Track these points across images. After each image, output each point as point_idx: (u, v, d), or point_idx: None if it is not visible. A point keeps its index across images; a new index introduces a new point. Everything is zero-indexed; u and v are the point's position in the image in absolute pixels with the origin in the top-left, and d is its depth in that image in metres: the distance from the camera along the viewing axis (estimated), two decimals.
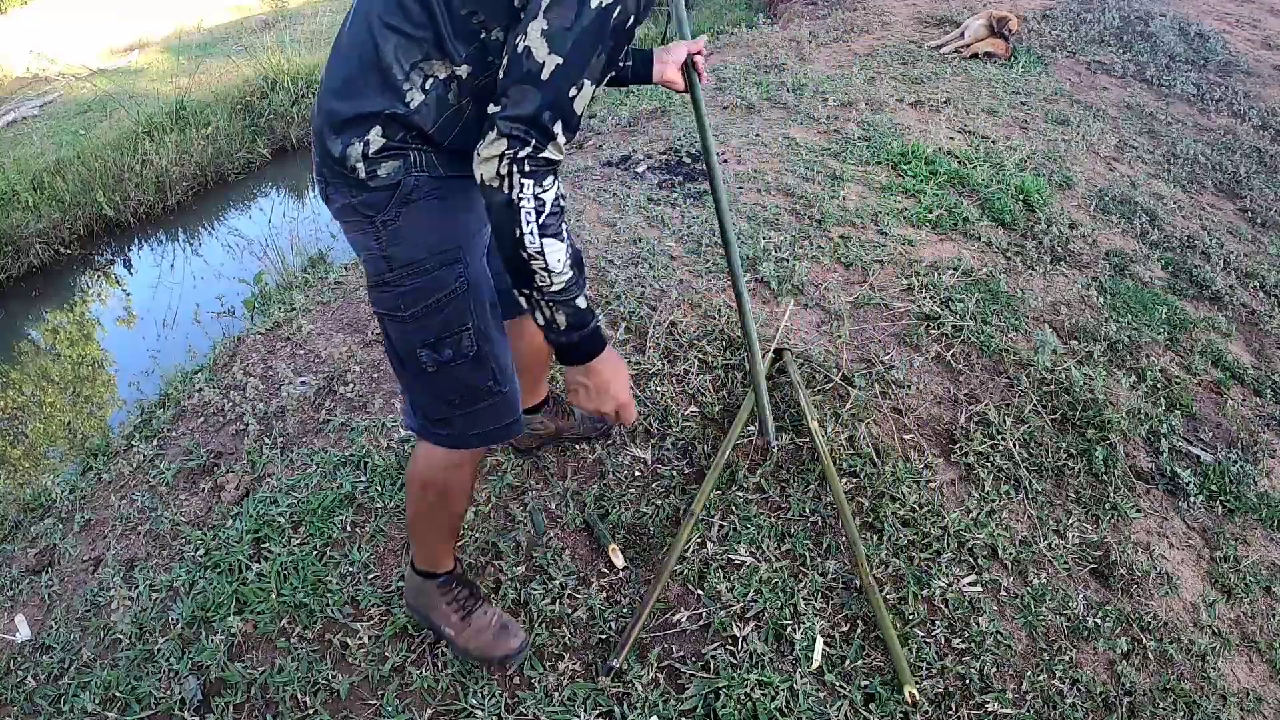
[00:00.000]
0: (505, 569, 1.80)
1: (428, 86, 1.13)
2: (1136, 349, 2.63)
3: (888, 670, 1.63)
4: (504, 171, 1.03)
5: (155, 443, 2.32)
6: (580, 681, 1.59)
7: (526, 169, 1.03)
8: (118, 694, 1.64)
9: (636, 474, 2.02)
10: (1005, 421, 2.22)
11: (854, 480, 2.01)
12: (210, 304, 4.35)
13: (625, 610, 1.72)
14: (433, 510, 1.45)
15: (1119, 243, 3.28)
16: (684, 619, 1.70)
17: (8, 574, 1.99)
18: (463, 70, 1.13)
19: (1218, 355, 2.70)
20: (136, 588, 1.86)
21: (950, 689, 1.62)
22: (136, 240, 5.43)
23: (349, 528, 1.92)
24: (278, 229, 4.76)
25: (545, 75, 1.02)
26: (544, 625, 1.69)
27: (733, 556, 1.82)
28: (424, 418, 1.35)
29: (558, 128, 1.04)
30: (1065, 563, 1.92)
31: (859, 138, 3.81)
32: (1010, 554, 1.90)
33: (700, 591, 1.75)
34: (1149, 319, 2.80)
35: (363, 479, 2.03)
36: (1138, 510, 2.09)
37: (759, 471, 2.00)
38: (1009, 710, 1.59)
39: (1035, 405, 2.30)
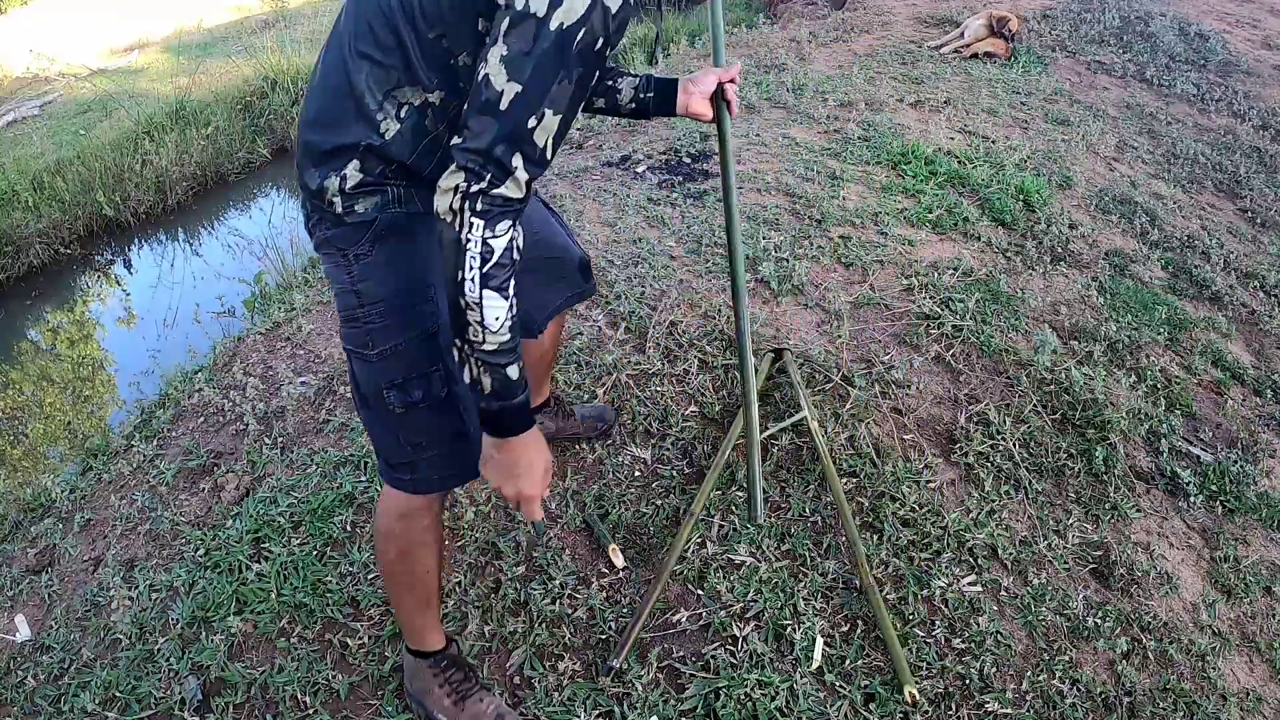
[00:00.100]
0: (505, 569, 1.80)
1: (403, 115, 1.09)
2: (1136, 349, 2.63)
3: (888, 670, 1.63)
4: (456, 207, 0.97)
5: (155, 443, 2.32)
6: (580, 681, 1.59)
7: (479, 207, 0.97)
8: (118, 694, 1.64)
9: (636, 474, 2.02)
10: (1005, 421, 2.22)
11: (854, 480, 2.01)
12: (210, 304, 4.35)
13: (625, 610, 1.72)
14: (398, 568, 1.35)
15: (1119, 243, 3.28)
16: (684, 619, 1.70)
17: (8, 574, 1.99)
18: (435, 97, 1.09)
19: (1218, 355, 2.70)
20: (136, 588, 1.86)
21: (950, 689, 1.62)
22: (136, 240, 5.44)
23: (349, 528, 1.92)
24: (278, 229, 4.76)
25: (503, 105, 0.96)
26: (544, 625, 1.69)
27: (733, 556, 1.82)
28: (385, 462, 1.27)
29: (515, 161, 0.97)
30: (1065, 563, 1.92)
31: (859, 138, 3.81)
32: (1010, 554, 1.90)
33: (700, 591, 1.75)
34: (1149, 319, 2.80)
35: (363, 479, 2.03)
36: (1138, 510, 2.09)
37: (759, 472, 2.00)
38: (1009, 710, 1.59)
39: (1035, 405, 2.30)
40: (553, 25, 0.94)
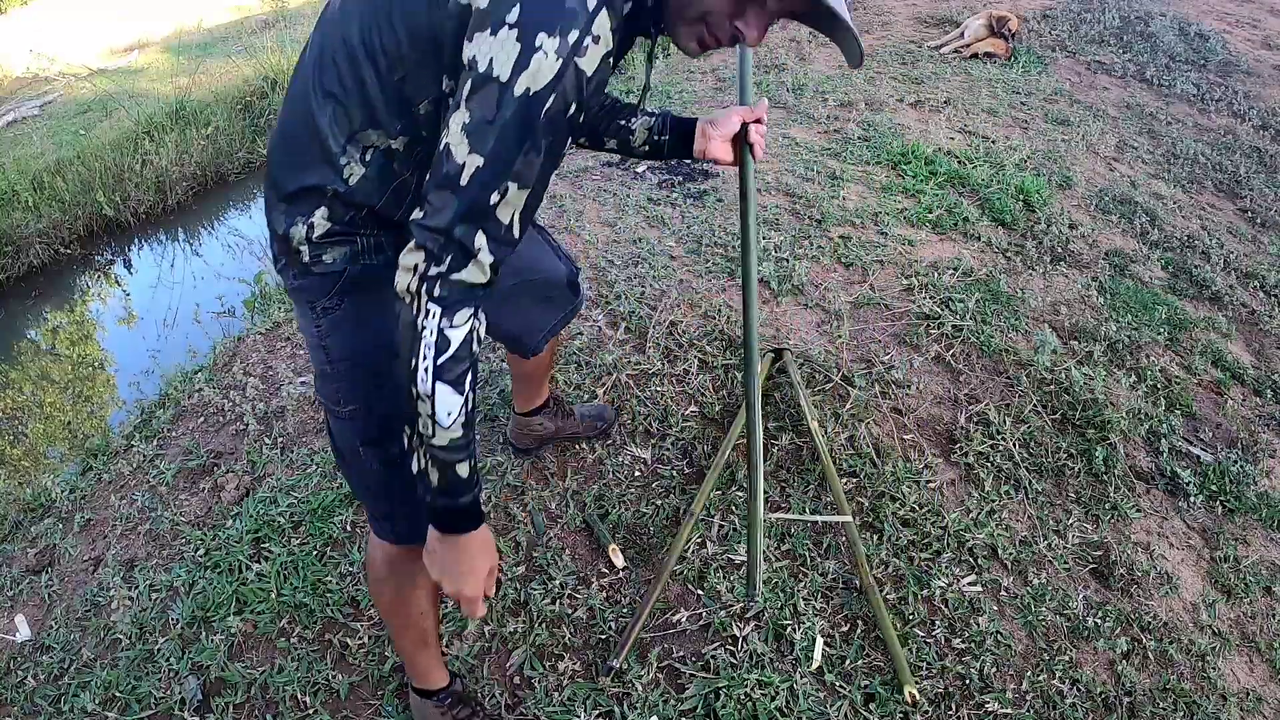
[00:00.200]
0: (505, 569, 1.80)
1: (367, 159, 1.01)
2: (1136, 349, 2.63)
3: (888, 670, 1.63)
4: (413, 289, 0.88)
5: (155, 443, 2.32)
6: (580, 681, 1.59)
7: (436, 293, 0.88)
8: (118, 694, 1.64)
9: (636, 474, 2.02)
10: (1005, 421, 2.22)
11: (854, 480, 2.01)
12: (210, 304, 4.35)
13: (625, 610, 1.72)
14: (394, 611, 1.32)
15: (1119, 243, 3.28)
16: (684, 619, 1.70)
17: (8, 574, 1.99)
18: (398, 143, 1.01)
19: (1218, 355, 2.70)
20: (136, 588, 1.86)
21: (950, 689, 1.62)
22: (136, 240, 5.43)
23: (349, 528, 1.92)
24: None
25: (464, 180, 0.86)
26: (544, 625, 1.69)
27: (733, 556, 1.82)
28: (369, 513, 1.24)
29: (478, 241, 0.88)
30: (1065, 563, 1.92)
31: (859, 138, 3.81)
32: (1010, 554, 1.90)
33: (700, 591, 1.75)
34: (1149, 319, 2.80)
35: None
36: (1138, 510, 2.09)
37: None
38: (1009, 710, 1.59)
39: (1035, 405, 2.30)
40: (517, 91, 0.84)
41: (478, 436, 2.12)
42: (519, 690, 1.59)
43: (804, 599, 1.74)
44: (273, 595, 1.78)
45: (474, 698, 1.54)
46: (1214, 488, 2.19)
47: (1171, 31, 5.97)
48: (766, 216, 3.06)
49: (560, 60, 0.84)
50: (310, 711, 1.58)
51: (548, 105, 0.86)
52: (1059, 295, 2.83)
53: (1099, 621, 1.80)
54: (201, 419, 2.37)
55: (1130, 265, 3.13)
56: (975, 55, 5.11)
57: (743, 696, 1.55)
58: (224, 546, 1.91)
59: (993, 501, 2.01)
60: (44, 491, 2.28)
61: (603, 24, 0.87)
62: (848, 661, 1.64)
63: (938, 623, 1.73)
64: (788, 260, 2.77)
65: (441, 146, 0.88)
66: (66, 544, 2.04)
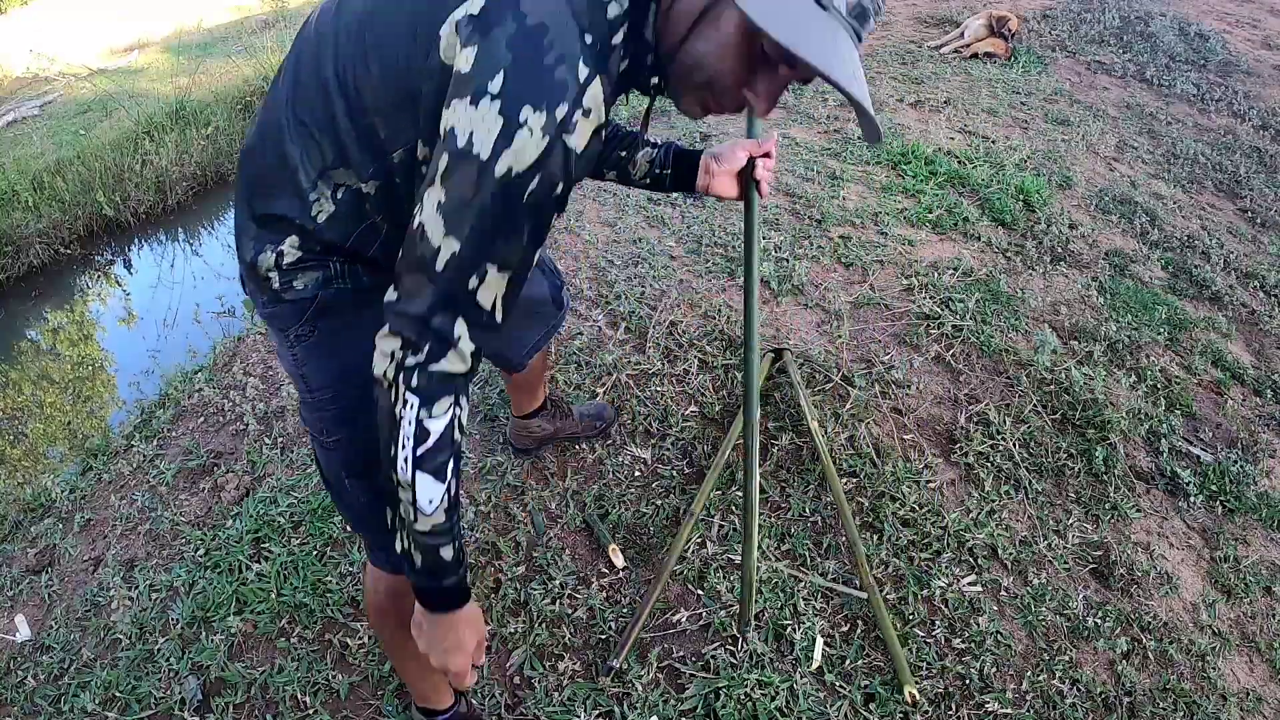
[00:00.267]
0: (505, 569, 1.80)
1: (339, 196, 0.94)
2: (1136, 349, 2.63)
3: (888, 670, 1.63)
4: (390, 377, 0.83)
5: (155, 443, 2.32)
6: (580, 681, 1.59)
7: (414, 383, 0.82)
8: (118, 694, 1.64)
9: (636, 474, 2.02)
10: (1005, 421, 2.22)
11: (854, 480, 2.01)
12: (210, 304, 4.35)
13: (625, 610, 1.72)
14: (396, 639, 1.26)
15: (1119, 243, 3.28)
16: (684, 619, 1.70)
17: (8, 574, 1.99)
18: (370, 187, 0.93)
19: (1218, 355, 2.70)
20: (136, 588, 1.86)
21: (950, 689, 1.62)
22: (136, 240, 5.43)
23: (349, 528, 1.92)
24: None
25: (439, 265, 0.80)
26: (544, 625, 1.69)
27: (733, 556, 1.82)
28: (364, 542, 1.19)
29: (458, 329, 0.82)
30: (1065, 563, 1.92)
31: (859, 138, 3.80)
32: (1010, 554, 1.90)
33: (700, 591, 1.75)
34: (1149, 319, 2.80)
35: None
36: (1138, 510, 2.09)
37: (759, 472, 2.00)
38: (1009, 710, 1.59)
39: (1035, 405, 2.30)
40: (498, 171, 0.77)
41: (477, 435, 2.12)
42: (519, 690, 1.59)
43: (804, 599, 1.74)
44: (273, 595, 1.78)
45: (478, 716, 1.53)
46: (1214, 488, 2.19)
47: (1171, 31, 5.97)
48: (767, 216, 3.06)
49: (547, 139, 0.77)
50: (310, 711, 1.58)
51: (531, 187, 0.79)
52: (1059, 295, 2.83)
53: (1099, 621, 1.80)
54: (201, 419, 2.37)
55: (1130, 265, 3.13)
56: (975, 55, 5.11)
57: (743, 696, 1.55)
58: (224, 546, 1.91)
59: (993, 501, 2.01)
60: (44, 491, 2.28)
61: (595, 95, 0.80)
62: (848, 661, 1.64)
63: (938, 623, 1.73)
64: (788, 260, 2.77)
65: (414, 224, 0.82)
66: (66, 544, 2.04)
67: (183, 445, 2.27)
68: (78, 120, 6.53)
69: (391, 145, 0.90)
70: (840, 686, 1.59)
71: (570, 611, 1.72)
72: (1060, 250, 3.12)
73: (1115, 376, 2.48)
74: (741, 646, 1.64)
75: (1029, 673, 1.67)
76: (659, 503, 1.95)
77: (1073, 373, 2.39)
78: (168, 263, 5.19)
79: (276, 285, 0.99)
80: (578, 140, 0.79)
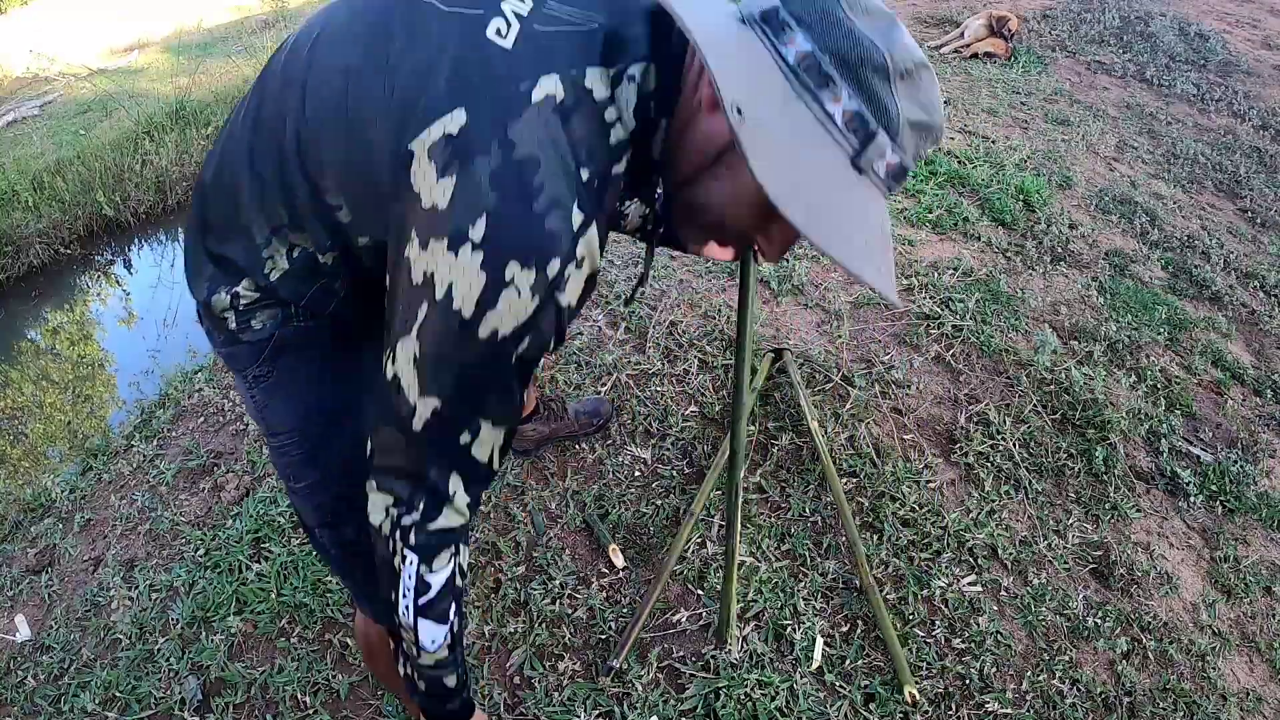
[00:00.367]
0: (505, 569, 1.80)
1: (294, 256, 0.85)
2: (1136, 349, 2.63)
3: (888, 670, 1.63)
4: (387, 533, 0.79)
5: (155, 443, 2.32)
6: (580, 681, 1.59)
7: (412, 541, 0.78)
8: (118, 694, 1.64)
9: (636, 474, 2.02)
10: (1005, 421, 2.22)
11: (854, 480, 2.01)
12: None
13: (625, 610, 1.72)
14: (391, 674, 1.17)
15: (1119, 243, 3.28)
16: (684, 619, 1.70)
17: (8, 574, 1.99)
18: (328, 259, 0.85)
19: (1218, 355, 2.70)
20: (136, 588, 1.86)
21: (950, 689, 1.62)
22: (136, 240, 5.43)
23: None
24: None
25: (418, 425, 0.73)
26: (544, 625, 1.69)
27: None
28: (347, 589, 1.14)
29: (452, 486, 0.76)
30: (1065, 563, 1.92)
31: None
32: (1010, 554, 1.90)
33: (700, 591, 1.75)
34: (1149, 319, 2.80)
35: None
36: (1138, 510, 2.09)
37: (759, 471, 2.00)
38: (1009, 710, 1.59)
39: (1035, 405, 2.30)
40: (483, 333, 0.69)
41: None
42: (519, 690, 1.59)
43: (804, 599, 1.74)
44: (273, 595, 1.78)
45: None
46: (1214, 488, 2.19)
47: (1171, 31, 5.97)
48: None
49: (537, 299, 0.68)
50: (310, 711, 1.58)
51: (520, 350, 0.71)
52: (1059, 295, 2.83)
53: (1099, 621, 1.80)
54: (201, 419, 2.37)
55: (1130, 265, 3.13)
56: (975, 55, 5.11)
57: (743, 696, 1.55)
58: (224, 546, 1.91)
59: (993, 501, 2.01)
60: (44, 491, 2.28)
61: (590, 242, 0.71)
62: (848, 661, 1.64)
63: (938, 623, 1.73)
64: (787, 260, 2.77)
65: (388, 373, 0.74)
66: (66, 544, 2.04)
67: (183, 445, 2.27)
68: (78, 120, 6.53)
69: (356, 232, 0.81)
70: (840, 686, 1.59)
71: (570, 611, 1.72)
72: (1060, 250, 3.12)
73: (1115, 376, 2.48)
74: (742, 646, 1.64)
75: (1029, 673, 1.67)
76: (659, 503, 1.95)
77: (1073, 373, 2.39)
78: (168, 263, 5.19)
79: (233, 326, 0.91)
80: (570, 296, 0.71)
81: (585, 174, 0.71)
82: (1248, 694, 1.76)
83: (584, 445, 2.09)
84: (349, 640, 1.68)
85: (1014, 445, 2.16)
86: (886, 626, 1.65)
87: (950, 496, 2.02)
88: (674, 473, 2.02)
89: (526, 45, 0.71)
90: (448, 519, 0.78)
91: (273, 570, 1.82)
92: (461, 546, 0.82)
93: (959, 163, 3.60)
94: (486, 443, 0.76)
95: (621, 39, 0.74)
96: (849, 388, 2.25)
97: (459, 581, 0.83)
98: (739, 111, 0.63)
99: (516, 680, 1.61)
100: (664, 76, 0.76)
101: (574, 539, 1.88)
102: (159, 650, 1.71)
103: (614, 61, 0.73)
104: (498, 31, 0.72)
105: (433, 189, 0.68)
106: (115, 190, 5.36)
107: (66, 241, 5.15)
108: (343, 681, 1.61)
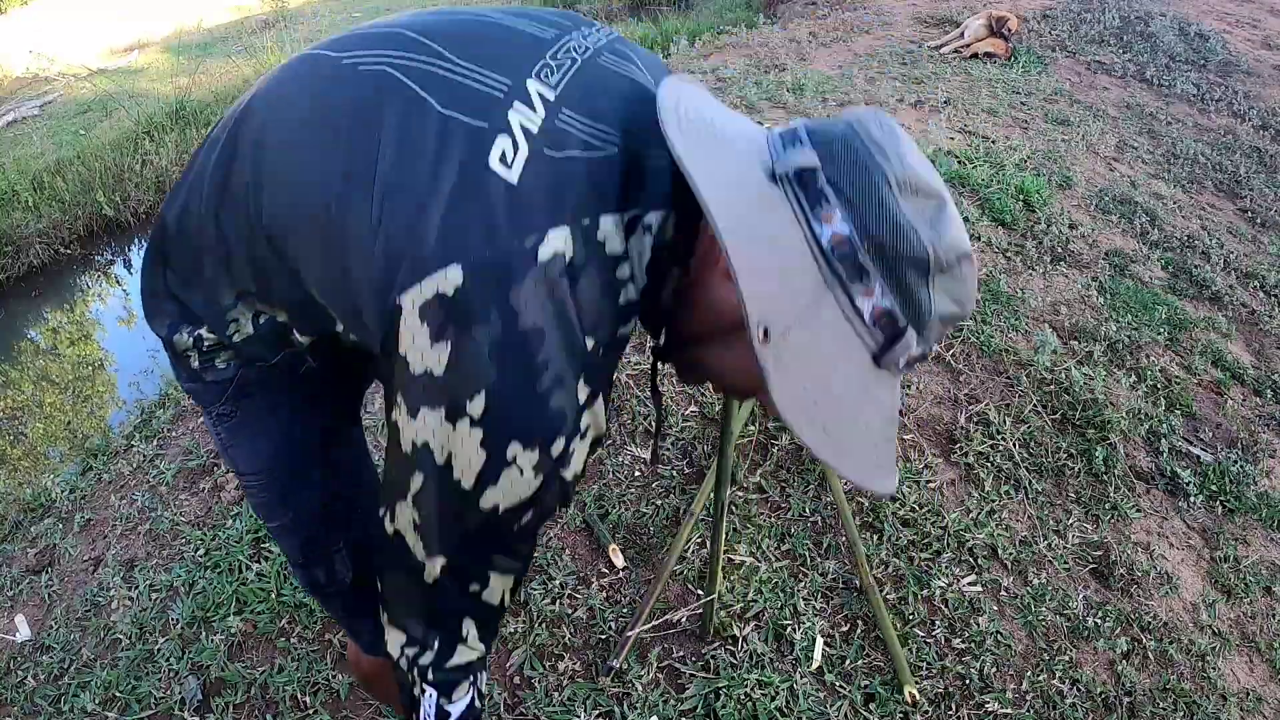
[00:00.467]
0: None
1: (260, 322, 0.80)
2: (1136, 349, 2.63)
3: (888, 670, 1.63)
4: (405, 668, 0.78)
5: (155, 443, 2.32)
6: (580, 681, 1.59)
7: (430, 678, 0.76)
8: (118, 694, 1.64)
9: (636, 474, 2.02)
10: (1005, 421, 2.22)
11: None
12: None
13: (625, 610, 1.72)
14: (391, 696, 1.18)
15: (1119, 243, 3.28)
16: (684, 619, 1.70)
17: (8, 574, 1.99)
18: (303, 340, 0.81)
19: (1218, 355, 2.70)
20: (136, 588, 1.86)
21: (950, 689, 1.62)
22: (136, 240, 5.44)
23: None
24: None
25: (428, 578, 0.71)
26: (544, 625, 1.69)
27: (733, 556, 1.82)
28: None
29: (466, 629, 0.75)
30: (1065, 563, 1.92)
31: None
32: (1010, 554, 1.90)
33: (700, 592, 1.75)
34: (1149, 319, 2.80)
35: None
36: (1138, 510, 2.09)
37: (759, 471, 2.00)
38: (1009, 710, 1.59)
39: (1035, 405, 2.30)
40: (484, 506, 0.65)
41: None
42: (519, 690, 1.59)
43: (804, 599, 1.74)
44: (273, 595, 1.78)
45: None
46: (1214, 488, 2.19)
47: (1171, 31, 5.97)
48: None
49: (540, 477, 0.65)
50: (310, 711, 1.58)
51: (524, 521, 0.68)
52: (1059, 295, 2.83)
53: (1099, 621, 1.80)
54: (201, 419, 2.37)
55: (1130, 265, 3.13)
56: (975, 55, 5.11)
57: (743, 696, 1.55)
58: (224, 546, 1.91)
59: (993, 501, 2.01)
60: (44, 491, 2.28)
61: (596, 413, 0.67)
62: (848, 661, 1.64)
63: (938, 623, 1.73)
64: None
65: (389, 529, 0.71)
66: (66, 544, 2.04)
67: (183, 445, 2.27)
68: (78, 120, 6.53)
69: (346, 333, 0.77)
70: (840, 686, 1.59)
71: (570, 611, 1.72)
72: (1060, 250, 3.12)
73: (1115, 376, 2.48)
74: (741, 646, 1.64)
75: (1029, 673, 1.67)
76: (659, 503, 1.95)
77: (1073, 373, 2.39)
78: None
79: (196, 364, 0.85)
80: (575, 468, 0.67)
81: (591, 343, 0.65)
82: (1248, 694, 1.76)
83: None
84: (349, 640, 1.68)
85: (1014, 445, 2.16)
86: (886, 626, 1.65)
87: (950, 496, 2.02)
88: (674, 473, 2.02)
89: (536, 182, 0.63)
90: (462, 656, 0.76)
91: (272, 570, 1.82)
92: (480, 675, 0.80)
93: (959, 162, 3.60)
94: (497, 590, 0.74)
95: (641, 171, 0.67)
96: None
97: (478, 703, 0.81)
98: (765, 333, 0.59)
99: (516, 680, 1.61)
100: (682, 225, 0.69)
101: (574, 539, 1.88)
102: (159, 650, 1.71)
103: (631, 203, 0.66)
104: (502, 157, 0.63)
105: (425, 354, 0.62)
106: (115, 190, 5.37)
107: (66, 241, 5.15)
108: (343, 681, 1.61)
